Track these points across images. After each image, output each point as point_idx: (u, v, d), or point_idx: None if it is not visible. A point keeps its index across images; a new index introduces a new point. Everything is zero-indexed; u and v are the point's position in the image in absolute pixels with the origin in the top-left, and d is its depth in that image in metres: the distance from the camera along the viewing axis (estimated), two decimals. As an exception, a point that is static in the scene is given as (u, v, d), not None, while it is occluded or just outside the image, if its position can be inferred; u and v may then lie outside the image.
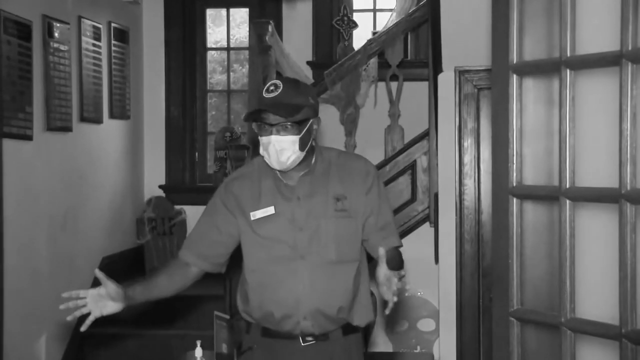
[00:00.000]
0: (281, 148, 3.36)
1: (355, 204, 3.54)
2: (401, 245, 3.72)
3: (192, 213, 7.96)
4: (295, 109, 3.38)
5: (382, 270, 3.23)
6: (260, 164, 3.57)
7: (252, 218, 3.47)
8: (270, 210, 3.47)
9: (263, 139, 3.38)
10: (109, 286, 3.57)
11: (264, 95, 3.38)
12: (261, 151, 3.43)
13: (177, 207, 8.00)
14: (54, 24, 6.34)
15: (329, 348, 3.53)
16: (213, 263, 3.65)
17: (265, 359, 3.52)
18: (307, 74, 7.02)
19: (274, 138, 3.36)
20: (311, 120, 3.43)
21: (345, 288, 3.53)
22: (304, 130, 3.40)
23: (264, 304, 3.48)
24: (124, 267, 7.50)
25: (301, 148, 3.40)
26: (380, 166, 6.14)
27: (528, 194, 2.77)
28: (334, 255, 3.49)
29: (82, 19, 6.88)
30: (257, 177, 3.54)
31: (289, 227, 3.47)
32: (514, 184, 2.78)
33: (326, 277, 3.47)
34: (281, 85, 3.39)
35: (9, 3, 5.52)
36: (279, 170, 3.45)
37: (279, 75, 6.38)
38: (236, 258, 3.66)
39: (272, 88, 3.38)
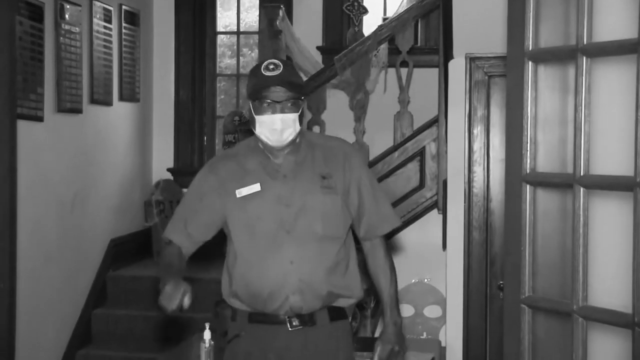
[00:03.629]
0: (286, 125, 3.41)
1: (341, 183, 3.59)
2: (400, 224, 3.83)
3: (201, 197, 7.97)
4: (299, 87, 3.51)
5: None
6: (244, 146, 3.63)
7: (238, 195, 3.49)
8: (256, 187, 3.49)
9: (264, 117, 3.40)
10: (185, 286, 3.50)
11: (266, 73, 3.40)
12: (259, 129, 3.43)
13: (185, 190, 7.98)
14: (66, 5, 6.34)
15: (316, 333, 3.54)
16: (196, 244, 3.67)
17: (252, 345, 3.53)
18: (317, 59, 7.01)
19: (279, 116, 3.40)
20: (303, 99, 3.52)
21: (332, 262, 3.56)
22: (301, 108, 3.47)
23: (251, 283, 3.49)
24: (132, 249, 7.53)
25: (299, 125, 3.47)
26: (389, 152, 6.14)
27: (541, 181, 2.76)
28: (320, 230, 3.52)
29: (94, 1, 6.88)
30: (242, 158, 3.57)
31: (275, 203, 3.49)
32: (527, 171, 2.77)
33: (312, 252, 3.50)
34: (281, 64, 3.44)
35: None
36: (273, 148, 3.48)
37: (289, 60, 6.37)
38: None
39: (272, 67, 3.41)
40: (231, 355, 3.62)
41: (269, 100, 3.39)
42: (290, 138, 3.45)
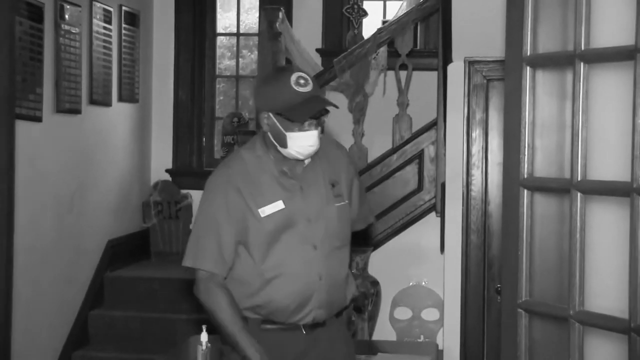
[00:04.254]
0: (316, 141, 3.37)
1: (345, 187, 3.59)
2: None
3: (198, 198, 7.90)
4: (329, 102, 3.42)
5: None
6: (250, 156, 3.49)
7: (262, 215, 3.39)
8: (279, 204, 3.41)
9: (299, 134, 3.33)
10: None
11: (300, 89, 3.29)
12: (291, 145, 3.35)
13: (184, 191, 8.02)
14: (66, 6, 6.35)
15: (327, 332, 3.54)
16: (229, 269, 3.50)
17: (267, 352, 3.44)
18: (316, 61, 7.02)
19: (314, 133, 3.36)
20: None
21: (346, 271, 3.59)
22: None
23: (277, 299, 3.43)
24: (130, 250, 7.54)
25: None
26: (388, 155, 6.16)
27: (539, 186, 2.77)
28: (339, 241, 3.52)
29: (94, 2, 6.89)
30: (254, 171, 3.46)
31: (298, 219, 3.44)
32: (525, 176, 2.78)
33: (335, 264, 3.50)
34: (309, 79, 3.35)
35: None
36: (296, 161, 3.44)
37: (288, 62, 6.38)
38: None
39: (302, 82, 3.31)
40: None
41: (306, 119, 3.32)
42: (317, 147, 3.41)
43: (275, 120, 3.35)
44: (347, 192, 3.60)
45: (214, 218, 3.44)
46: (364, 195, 3.81)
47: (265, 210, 3.40)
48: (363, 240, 5.41)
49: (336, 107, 3.39)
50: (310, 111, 3.31)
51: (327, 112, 3.40)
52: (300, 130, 3.32)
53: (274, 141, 3.40)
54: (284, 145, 3.36)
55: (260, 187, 3.43)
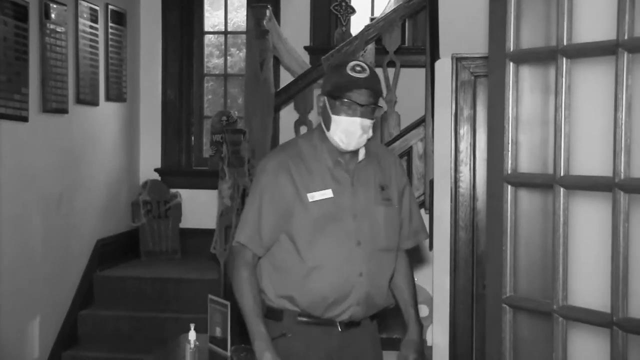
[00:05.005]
0: (362, 130, 3.40)
1: (395, 194, 3.62)
2: (427, 237, 3.97)
3: (188, 196, 8.00)
4: (381, 94, 3.51)
5: None
6: (306, 145, 3.53)
7: (310, 199, 3.43)
8: (329, 193, 3.45)
9: (343, 118, 3.38)
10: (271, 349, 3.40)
11: (353, 74, 3.36)
12: (334, 129, 3.41)
13: (173, 190, 8.03)
14: (51, 5, 6.34)
15: (362, 333, 3.58)
16: (266, 250, 3.54)
17: (302, 347, 3.47)
18: (304, 59, 7.03)
19: (358, 119, 3.38)
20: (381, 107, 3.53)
21: (389, 275, 3.62)
22: (375, 116, 3.49)
23: (315, 289, 3.45)
24: (119, 250, 7.54)
25: (372, 133, 3.47)
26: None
27: (523, 182, 2.78)
28: (384, 243, 3.56)
29: (80, 1, 6.88)
30: (307, 158, 3.50)
31: (345, 213, 3.48)
32: (509, 172, 2.79)
33: (378, 264, 3.53)
34: (367, 68, 3.41)
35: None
36: (342, 150, 3.47)
37: (276, 60, 6.37)
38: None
39: (359, 69, 3.38)
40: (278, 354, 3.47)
41: (351, 102, 3.37)
42: (363, 143, 3.45)
43: (327, 103, 3.44)
44: (398, 199, 3.64)
45: (260, 197, 3.48)
46: (416, 210, 3.81)
47: (314, 196, 3.44)
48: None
49: (379, 97, 3.47)
50: (354, 94, 3.37)
51: (376, 105, 3.46)
52: (346, 114, 3.38)
53: (323, 125, 3.48)
54: (328, 128, 3.43)
55: (312, 174, 3.47)
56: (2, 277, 5.18)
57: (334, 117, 3.40)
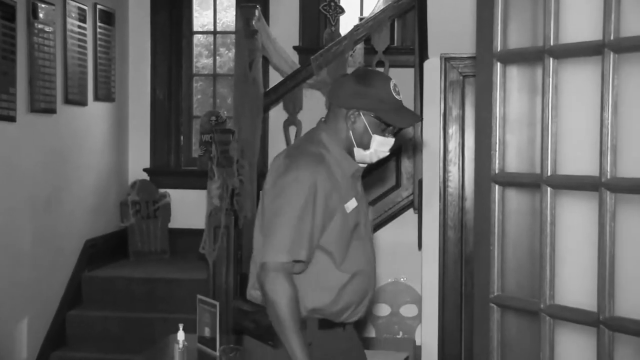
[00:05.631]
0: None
1: None
2: None
3: (177, 196, 7.99)
4: None
5: None
6: (332, 156, 3.45)
7: (347, 210, 3.41)
8: (354, 202, 3.45)
9: (384, 140, 3.43)
10: None
11: (397, 97, 3.41)
12: (374, 148, 3.43)
13: (162, 190, 8.02)
14: (39, 4, 6.33)
15: (355, 332, 3.64)
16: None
17: (325, 352, 3.43)
18: (293, 59, 7.03)
19: (392, 140, 3.47)
20: None
21: None
22: None
23: (351, 296, 3.44)
24: (107, 249, 7.54)
25: None
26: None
27: (510, 181, 2.79)
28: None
29: (68, 0, 6.87)
30: (332, 169, 3.42)
31: (365, 220, 3.53)
32: (497, 171, 2.80)
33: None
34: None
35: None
36: (364, 165, 3.53)
37: (265, 60, 6.38)
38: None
39: (398, 90, 3.44)
40: None
41: (405, 125, 3.60)
42: None
43: (365, 120, 3.40)
44: None
45: (304, 208, 3.32)
46: None
47: (349, 206, 3.42)
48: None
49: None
50: (410, 120, 3.53)
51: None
52: (384, 135, 3.42)
53: (353, 140, 3.43)
54: (366, 146, 3.42)
55: (341, 184, 3.42)
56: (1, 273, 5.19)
57: (374, 137, 3.40)
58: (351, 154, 3.46)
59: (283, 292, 3.25)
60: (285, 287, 3.25)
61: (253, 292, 3.48)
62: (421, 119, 3.43)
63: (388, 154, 3.51)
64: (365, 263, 3.49)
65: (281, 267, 3.26)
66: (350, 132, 3.42)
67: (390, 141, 3.46)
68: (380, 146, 3.43)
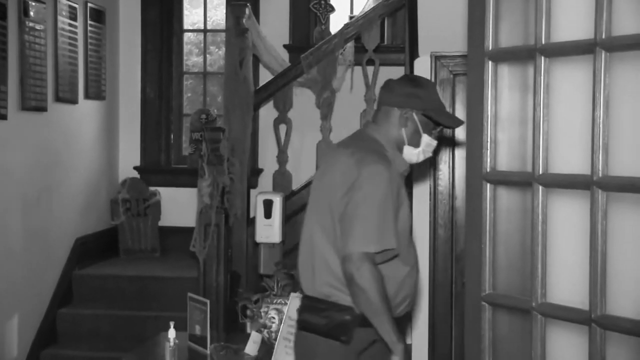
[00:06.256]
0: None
1: None
2: None
3: (167, 194, 7.99)
4: None
5: None
6: (390, 159, 3.52)
7: (407, 208, 3.52)
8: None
9: (429, 139, 3.54)
10: None
11: (442, 100, 3.62)
12: (423, 148, 3.55)
13: (152, 188, 8.00)
14: (30, 2, 6.30)
15: None
16: None
17: (383, 347, 3.44)
18: (283, 57, 7.01)
19: (436, 142, 3.60)
20: None
21: None
22: None
23: (408, 288, 3.53)
24: (98, 247, 7.52)
25: None
26: (356, 150, 6.17)
27: (501, 180, 2.80)
28: None
29: (59, -1, 6.86)
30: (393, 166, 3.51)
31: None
32: (488, 170, 2.81)
33: None
34: None
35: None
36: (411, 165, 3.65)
37: (255, 59, 6.37)
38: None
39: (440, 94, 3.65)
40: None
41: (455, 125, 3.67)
42: None
43: (417, 120, 3.51)
44: None
45: (388, 204, 3.38)
46: None
47: (408, 202, 3.55)
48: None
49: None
50: (456, 121, 3.64)
51: None
52: (433, 136, 3.53)
53: (405, 138, 3.53)
54: (416, 144, 3.54)
55: (400, 182, 3.52)
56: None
57: (424, 137, 3.53)
58: (400, 152, 3.58)
59: (374, 280, 3.30)
60: (375, 275, 3.31)
61: (325, 289, 3.49)
62: (463, 122, 3.43)
63: (431, 155, 3.60)
64: (415, 258, 3.58)
65: (368, 256, 3.31)
66: (403, 130, 3.53)
67: (434, 143, 3.57)
68: (427, 146, 3.54)
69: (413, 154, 3.56)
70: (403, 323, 3.64)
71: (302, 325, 3.56)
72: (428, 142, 3.54)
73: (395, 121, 3.54)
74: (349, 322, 3.40)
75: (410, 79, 3.75)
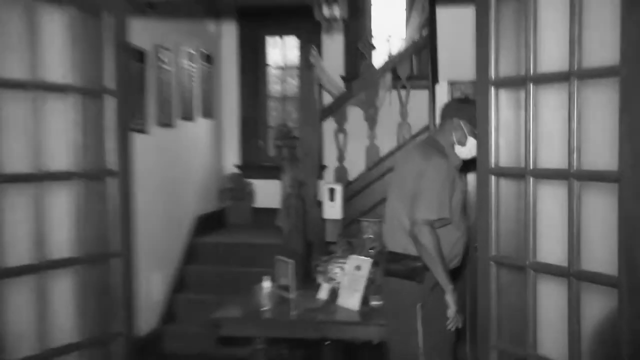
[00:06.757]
0: None
1: None
2: None
3: (258, 184, 8.04)
4: None
5: None
6: (447, 155, 3.59)
7: (460, 191, 3.57)
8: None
9: (474, 142, 3.49)
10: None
11: None
12: (469, 147, 3.57)
13: (248, 180, 8.06)
14: (161, 50, 6.39)
15: None
16: None
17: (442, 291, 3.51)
18: (340, 85, 7.01)
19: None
20: None
21: None
22: None
23: (458, 248, 3.58)
24: (212, 222, 7.59)
25: None
26: (394, 152, 6.15)
27: (502, 173, 2.78)
28: None
29: (181, 47, 6.92)
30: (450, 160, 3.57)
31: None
32: (492, 166, 2.80)
33: None
34: None
35: (131, 36, 5.55)
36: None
37: (319, 86, 6.38)
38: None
39: None
40: (438, 298, 3.51)
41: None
42: None
43: (463, 126, 3.58)
44: None
45: (444, 184, 3.47)
46: None
47: (461, 187, 3.59)
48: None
49: None
50: None
51: None
52: (474, 138, 3.45)
53: (456, 140, 3.59)
54: (464, 145, 3.58)
55: (455, 173, 3.58)
56: (138, 243, 5.23)
57: (469, 139, 3.56)
58: (454, 151, 3.62)
59: (433, 239, 3.40)
60: (434, 236, 3.40)
61: (402, 245, 3.56)
62: None
63: (475, 155, 3.45)
64: (466, 228, 3.62)
65: (429, 222, 3.40)
66: (454, 134, 3.60)
67: (475, 142, 3.47)
68: (473, 146, 3.51)
69: (462, 152, 3.59)
70: (455, 273, 3.62)
71: (388, 272, 3.63)
72: (473, 143, 3.52)
73: (450, 128, 3.62)
74: (420, 267, 3.49)
75: (460, 98, 3.78)
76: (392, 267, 3.60)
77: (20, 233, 2.83)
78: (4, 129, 2.76)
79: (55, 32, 2.95)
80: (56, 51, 2.95)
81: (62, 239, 3.00)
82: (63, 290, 3.02)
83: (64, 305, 3.03)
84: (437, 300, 3.49)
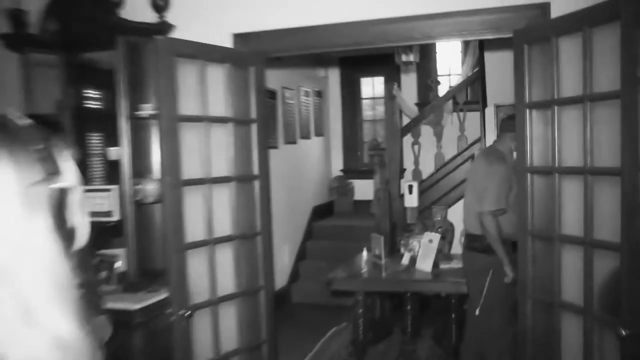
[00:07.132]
0: None
1: None
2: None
3: (357, 183, 8.08)
4: None
5: None
6: (506, 159, 3.54)
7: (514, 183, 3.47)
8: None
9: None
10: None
11: None
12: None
13: (349, 180, 8.13)
14: (285, 90, 6.57)
15: None
16: None
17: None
18: (415, 109, 7.01)
19: None
20: None
21: None
22: None
23: (512, 228, 3.40)
24: (324, 210, 7.66)
25: None
26: (454, 157, 6.11)
27: (536, 171, 2.78)
28: None
29: (300, 87, 7.09)
30: (507, 164, 3.52)
31: None
32: (529, 165, 2.80)
33: None
34: None
35: (267, 81, 5.75)
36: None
37: (400, 111, 6.38)
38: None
39: None
40: (500, 266, 3.45)
41: None
42: None
43: (513, 137, 3.41)
44: None
45: (503, 184, 3.44)
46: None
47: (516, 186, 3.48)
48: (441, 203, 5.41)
49: None
50: None
51: None
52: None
53: (513, 147, 3.42)
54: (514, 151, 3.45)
55: (513, 174, 3.45)
56: (274, 225, 5.39)
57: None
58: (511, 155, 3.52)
59: (494, 226, 3.42)
60: (495, 223, 3.42)
61: (476, 228, 3.53)
62: None
63: None
64: (516, 214, 3.46)
65: (492, 212, 3.42)
66: (510, 142, 3.52)
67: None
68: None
69: (514, 156, 3.44)
70: (507, 246, 3.49)
71: (469, 248, 3.63)
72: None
73: (507, 138, 3.54)
74: (489, 245, 3.47)
75: (510, 116, 3.65)
76: (471, 244, 3.61)
77: (197, 219, 2.97)
78: (185, 149, 2.92)
79: (218, 81, 3.09)
80: (218, 94, 3.11)
81: (224, 223, 3.13)
82: (225, 258, 3.15)
83: (226, 268, 3.16)
84: (500, 267, 3.46)
